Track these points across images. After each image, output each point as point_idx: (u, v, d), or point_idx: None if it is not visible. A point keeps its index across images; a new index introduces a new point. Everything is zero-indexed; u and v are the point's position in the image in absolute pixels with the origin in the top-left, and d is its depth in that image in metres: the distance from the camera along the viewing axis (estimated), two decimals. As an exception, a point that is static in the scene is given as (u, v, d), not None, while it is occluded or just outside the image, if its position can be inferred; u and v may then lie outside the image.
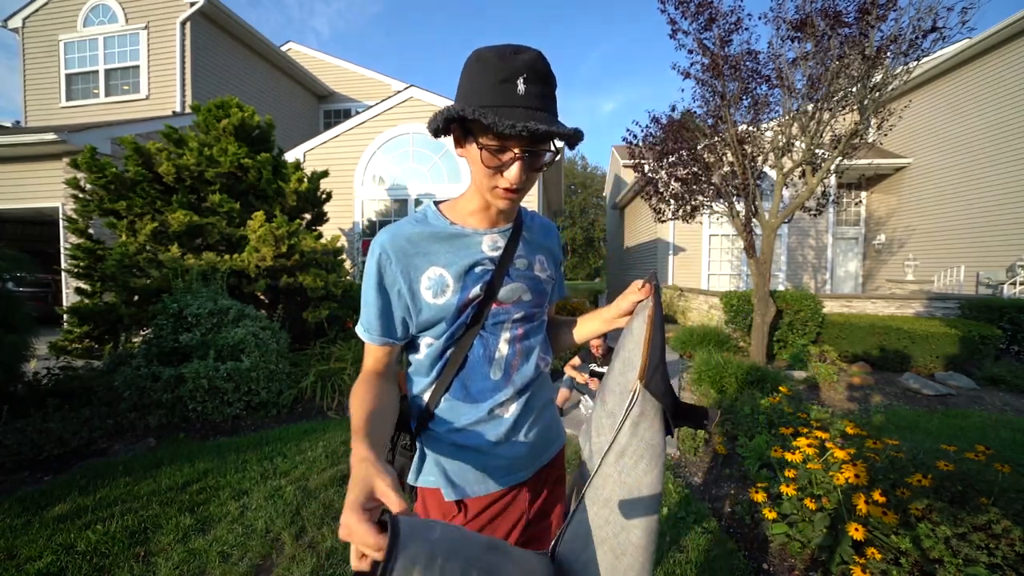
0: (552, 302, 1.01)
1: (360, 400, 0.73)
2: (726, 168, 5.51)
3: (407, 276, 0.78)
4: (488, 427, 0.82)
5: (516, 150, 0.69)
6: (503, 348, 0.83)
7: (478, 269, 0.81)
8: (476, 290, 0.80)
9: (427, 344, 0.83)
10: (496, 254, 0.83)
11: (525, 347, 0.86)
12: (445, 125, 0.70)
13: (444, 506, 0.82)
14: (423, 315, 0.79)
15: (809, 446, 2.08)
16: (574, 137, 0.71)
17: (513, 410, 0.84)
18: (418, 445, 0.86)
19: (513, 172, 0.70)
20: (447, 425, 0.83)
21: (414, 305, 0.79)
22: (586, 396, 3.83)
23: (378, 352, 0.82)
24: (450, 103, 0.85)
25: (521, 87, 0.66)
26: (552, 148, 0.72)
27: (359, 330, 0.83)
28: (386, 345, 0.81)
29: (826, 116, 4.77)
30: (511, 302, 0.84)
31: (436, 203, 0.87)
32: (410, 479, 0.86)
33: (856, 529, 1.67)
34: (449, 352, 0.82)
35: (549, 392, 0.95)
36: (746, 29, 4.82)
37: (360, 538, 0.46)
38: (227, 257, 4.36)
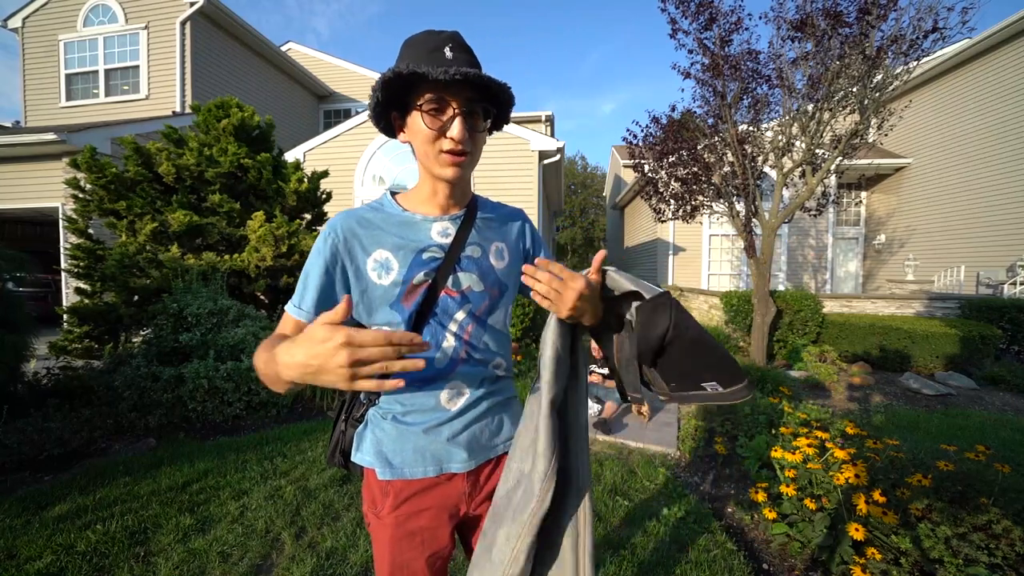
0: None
1: (272, 342, 0.69)
2: (726, 168, 5.51)
3: (354, 257, 0.78)
4: (432, 414, 0.82)
5: (455, 105, 0.72)
6: (450, 339, 0.82)
7: (425, 255, 0.81)
8: (421, 275, 0.79)
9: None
10: (446, 241, 0.83)
11: (474, 341, 0.84)
12: (384, 96, 0.73)
13: (379, 484, 0.83)
14: (368, 295, 0.79)
15: (809, 446, 2.08)
16: (505, 90, 0.73)
17: (460, 404, 0.83)
18: (366, 418, 0.87)
19: (455, 128, 0.72)
20: (393, 403, 0.83)
21: (359, 284, 0.79)
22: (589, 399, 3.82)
23: (297, 327, 0.78)
24: None
25: (449, 53, 0.71)
26: (490, 107, 0.76)
27: (289, 307, 0.79)
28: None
29: (826, 116, 4.77)
30: (460, 292, 0.83)
31: (392, 193, 0.87)
32: (353, 454, 0.87)
33: (856, 529, 1.67)
34: None
35: (507, 394, 0.92)
36: (746, 29, 4.83)
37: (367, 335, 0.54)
38: (227, 257, 4.36)
